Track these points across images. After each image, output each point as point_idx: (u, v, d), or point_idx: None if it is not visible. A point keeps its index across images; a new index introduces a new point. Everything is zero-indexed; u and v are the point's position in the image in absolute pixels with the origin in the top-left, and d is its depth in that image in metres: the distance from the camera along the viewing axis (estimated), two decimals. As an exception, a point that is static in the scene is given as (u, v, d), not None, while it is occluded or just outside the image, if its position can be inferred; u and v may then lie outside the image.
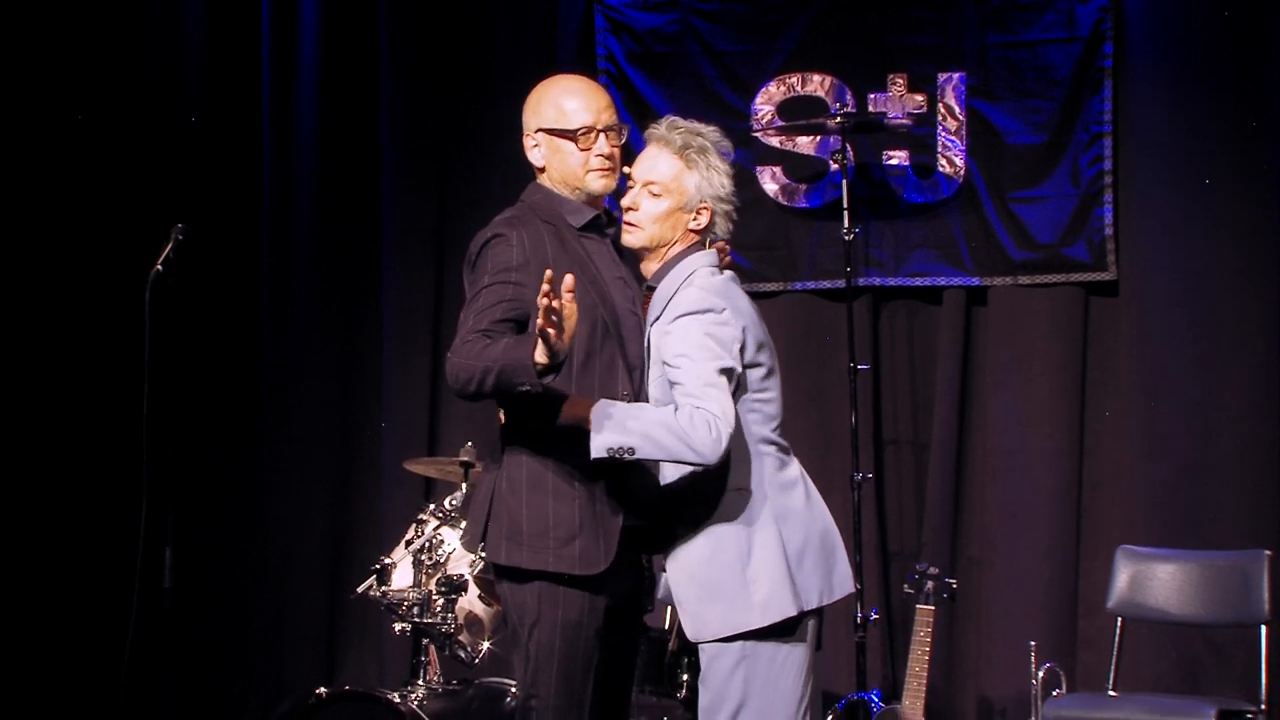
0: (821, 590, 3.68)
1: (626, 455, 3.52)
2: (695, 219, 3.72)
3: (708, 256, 3.74)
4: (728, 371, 3.57)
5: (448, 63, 6.72)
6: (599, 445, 3.51)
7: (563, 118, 3.80)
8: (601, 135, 3.80)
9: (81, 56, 6.57)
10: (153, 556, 4.60)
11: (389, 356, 6.70)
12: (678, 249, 3.73)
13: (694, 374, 3.54)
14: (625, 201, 3.74)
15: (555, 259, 3.64)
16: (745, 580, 3.61)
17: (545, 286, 3.36)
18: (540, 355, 3.43)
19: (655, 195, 3.70)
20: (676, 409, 3.52)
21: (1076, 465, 6.16)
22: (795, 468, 3.74)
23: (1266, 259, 5.97)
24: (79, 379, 6.49)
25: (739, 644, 3.62)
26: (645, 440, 3.50)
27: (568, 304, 3.41)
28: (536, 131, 3.84)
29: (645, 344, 3.72)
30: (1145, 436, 6.06)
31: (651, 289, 3.75)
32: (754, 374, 3.67)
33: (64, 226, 6.49)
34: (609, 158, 3.82)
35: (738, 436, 3.58)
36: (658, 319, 3.68)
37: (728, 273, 3.77)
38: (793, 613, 3.61)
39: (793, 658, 3.64)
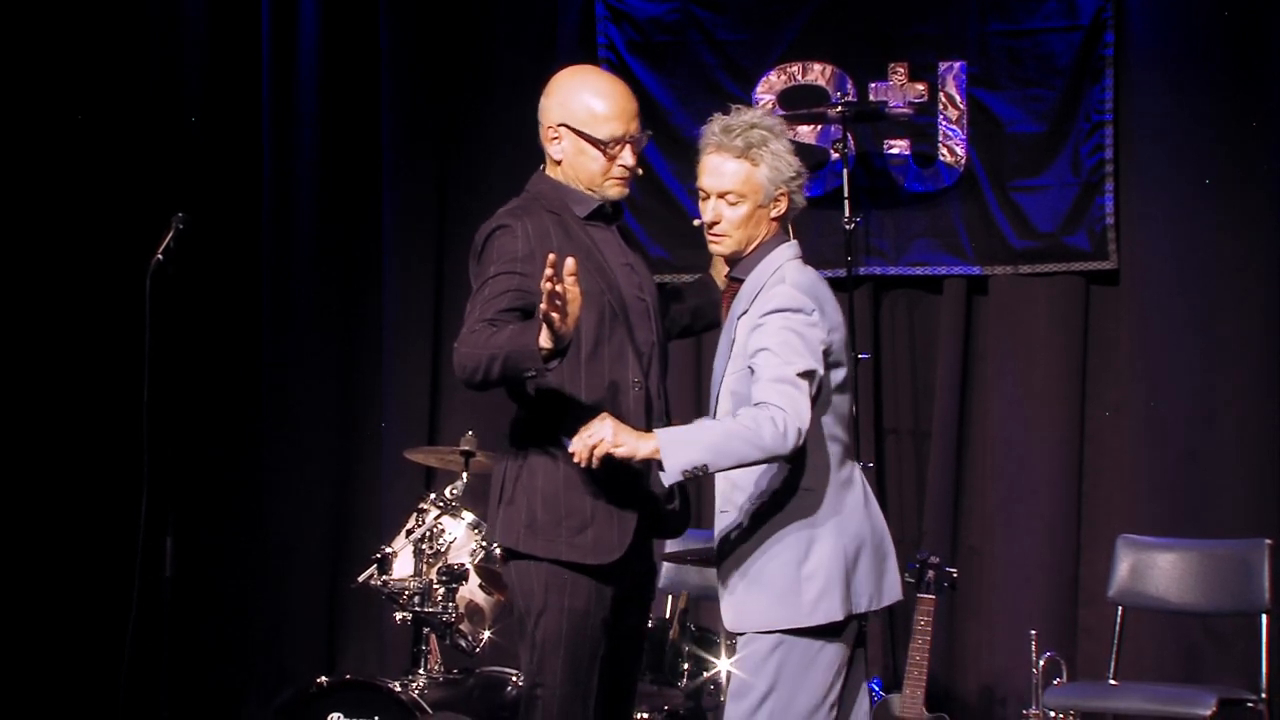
0: (871, 595, 3.67)
1: (700, 472, 3.51)
2: (775, 208, 3.72)
3: (793, 249, 3.74)
4: (809, 374, 3.54)
5: (447, 56, 6.71)
6: (672, 469, 3.49)
7: (593, 123, 3.75)
8: (628, 146, 3.79)
9: (83, 54, 6.56)
10: (154, 545, 4.61)
11: (389, 347, 6.70)
12: (762, 241, 3.72)
13: (771, 369, 3.52)
14: (706, 218, 3.70)
15: (560, 248, 3.62)
16: (799, 577, 3.59)
17: (548, 271, 3.35)
18: (545, 340, 3.42)
19: (733, 204, 3.68)
20: (738, 413, 3.51)
21: (1077, 454, 6.16)
22: (855, 468, 3.73)
23: (1268, 247, 5.96)
24: (79, 368, 6.49)
25: (778, 633, 3.61)
26: (714, 453, 3.48)
27: (570, 287, 3.39)
28: (560, 125, 3.78)
29: (730, 336, 3.68)
30: (1146, 425, 6.06)
31: (738, 280, 3.73)
32: (835, 374, 3.65)
33: (67, 221, 6.49)
34: (630, 168, 3.81)
35: (810, 435, 3.54)
36: (745, 312, 3.66)
37: (812, 271, 3.74)
38: (840, 617, 3.60)
39: (827, 653, 3.63)
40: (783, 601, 3.60)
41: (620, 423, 3.55)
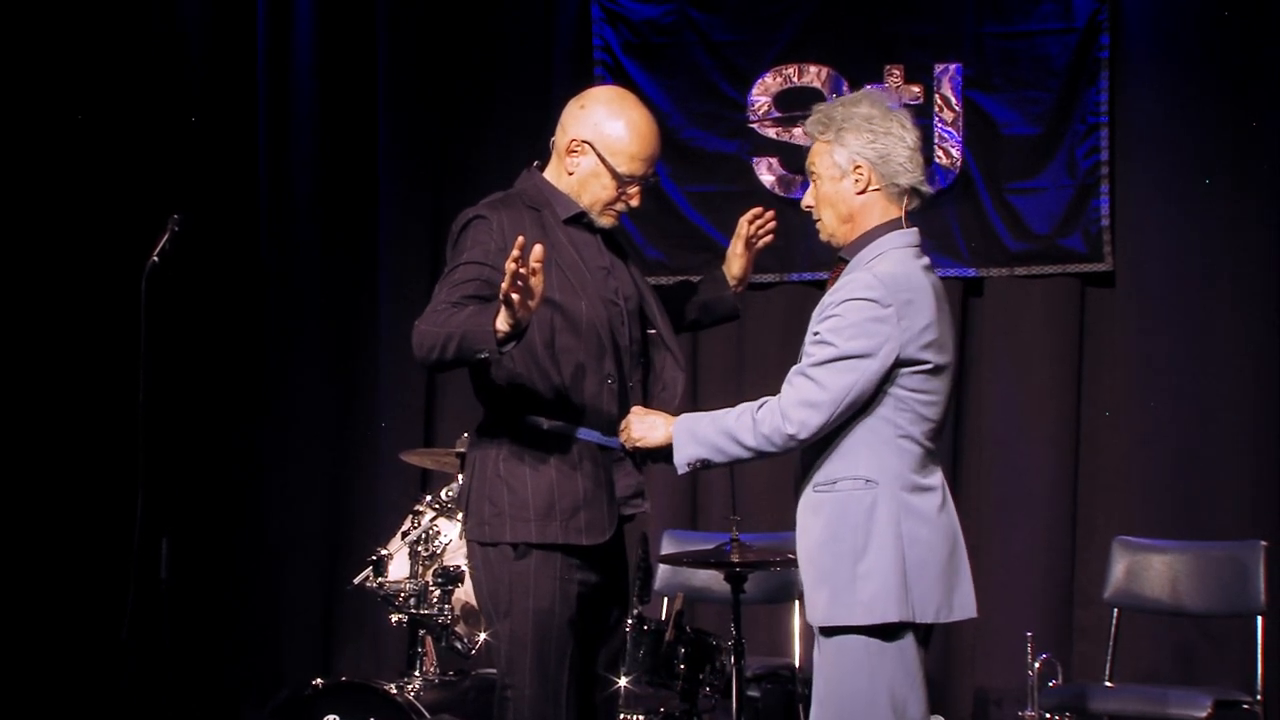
0: (939, 607, 3.50)
1: (705, 466, 3.55)
2: (855, 183, 3.62)
3: (902, 236, 3.64)
4: (856, 367, 3.45)
5: (443, 56, 6.71)
6: (680, 461, 3.55)
7: (621, 157, 3.75)
8: (640, 187, 3.81)
9: (79, 54, 6.55)
10: (149, 548, 4.61)
11: (385, 348, 6.70)
12: (869, 225, 3.64)
13: (814, 354, 3.53)
14: (803, 204, 3.69)
15: (533, 243, 3.62)
16: (855, 575, 3.46)
17: (515, 252, 3.34)
18: (502, 322, 3.42)
19: (814, 184, 3.64)
20: (743, 410, 3.52)
21: (1072, 456, 6.16)
22: (937, 475, 3.57)
23: (1263, 249, 5.98)
24: (75, 370, 6.48)
25: (840, 630, 3.50)
26: (712, 449, 3.52)
27: (536, 270, 3.37)
28: (586, 142, 3.77)
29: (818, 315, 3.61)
30: (1141, 427, 6.07)
31: (843, 262, 3.65)
32: (917, 372, 3.49)
33: (62, 222, 6.48)
34: (633, 208, 3.85)
35: (873, 428, 3.47)
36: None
37: (924, 260, 3.64)
38: (895, 619, 3.45)
39: (886, 657, 3.48)
40: (839, 598, 3.48)
41: (653, 412, 3.64)
